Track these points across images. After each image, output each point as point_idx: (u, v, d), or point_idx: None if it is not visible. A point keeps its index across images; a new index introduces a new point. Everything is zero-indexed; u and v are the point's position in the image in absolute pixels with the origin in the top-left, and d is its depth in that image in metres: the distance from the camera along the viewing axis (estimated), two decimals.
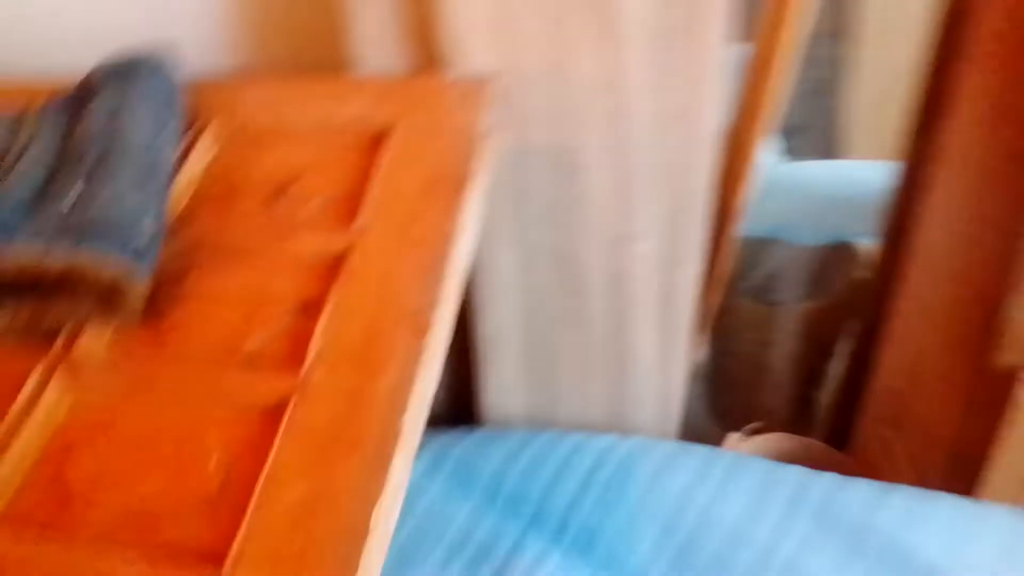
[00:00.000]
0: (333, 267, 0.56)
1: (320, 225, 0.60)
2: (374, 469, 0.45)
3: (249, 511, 0.43)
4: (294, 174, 0.65)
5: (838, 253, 1.02)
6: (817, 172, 1.07)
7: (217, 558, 0.42)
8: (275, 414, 0.48)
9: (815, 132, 1.15)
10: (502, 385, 0.97)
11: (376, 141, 0.66)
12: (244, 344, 0.53)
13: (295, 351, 0.51)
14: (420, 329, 0.51)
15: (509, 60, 0.72)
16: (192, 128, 0.67)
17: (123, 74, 0.65)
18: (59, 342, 0.53)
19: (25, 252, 0.51)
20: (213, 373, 0.51)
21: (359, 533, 0.42)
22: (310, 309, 0.54)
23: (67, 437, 0.49)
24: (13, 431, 0.49)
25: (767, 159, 1.03)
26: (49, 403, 0.50)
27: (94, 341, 0.53)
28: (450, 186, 0.61)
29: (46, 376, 0.51)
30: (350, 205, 0.61)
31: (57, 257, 0.51)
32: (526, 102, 0.75)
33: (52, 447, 0.49)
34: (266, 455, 0.46)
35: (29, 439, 0.49)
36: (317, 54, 0.78)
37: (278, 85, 0.73)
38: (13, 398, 0.50)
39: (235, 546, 0.42)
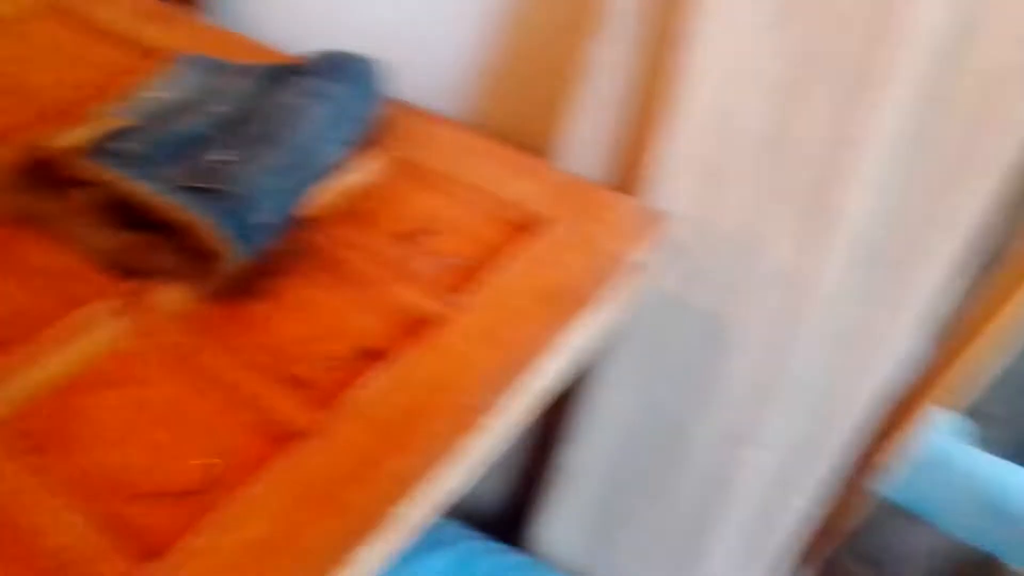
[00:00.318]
0: (416, 328, 0.57)
1: (428, 284, 0.61)
2: (344, 545, 0.44)
3: (205, 525, 0.44)
4: (433, 225, 0.67)
5: (978, 563, 0.92)
6: (995, 470, 0.98)
7: (157, 551, 0.43)
8: (285, 443, 0.49)
9: (1013, 429, 1.05)
10: (559, 522, 0.94)
11: (525, 228, 0.67)
12: (296, 363, 0.55)
13: (335, 391, 0.52)
14: (462, 426, 0.51)
15: (700, 210, 0.72)
16: (368, 141, 0.72)
17: (330, 68, 0.71)
18: (141, 283, 0.57)
19: (147, 190, 0.56)
20: (254, 378, 0.53)
21: None
22: (373, 358, 0.55)
23: (97, 375, 0.52)
24: (55, 342, 0.52)
25: (942, 432, 0.96)
26: (102, 334, 0.54)
27: (171, 297, 0.56)
28: (570, 301, 0.60)
29: (114, 308, 0.55)
30: (466, 277, 0.62)
31: (170, 205, 0.56)
32: (700, 257, 0.75)
33: (80, 378, 0.52)
34: (254, 480, 0.47)
35: (66, 358, 0.52)
36: (531, 125, 0.81)
37: (467, 136, 0.77)
38: (69, 312, 0.54)
39: (177, 549, 0.43)
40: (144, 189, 0.56)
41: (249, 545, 0.44)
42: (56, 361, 0.52)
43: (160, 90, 0.69)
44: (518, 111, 0.83)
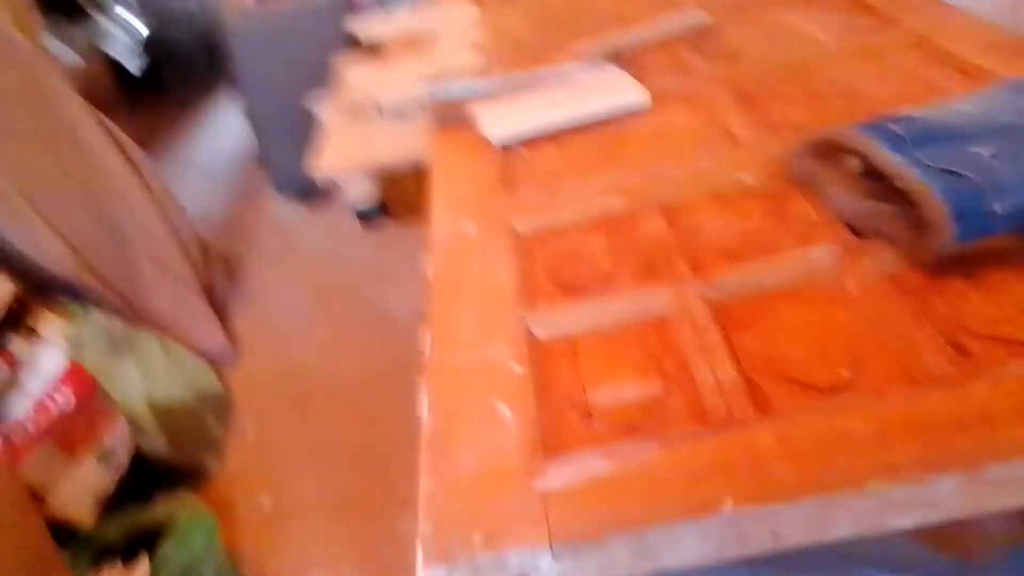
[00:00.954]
0: None
1: None
2: (923, 468, 0.50)
3: (821, 412, 0.56)
4: None
5: None
6: None
7: (768, 414, 0.56)
8: (919, 383, 0.56)
9: None
10: None
11: None
12: (970, 333, 0.57)
13: (988, 364, 0.55)
14: None
15: None
16: None
17: None
18: (866, 241, 0.67)
19: (894, 160, 0.66)
20: (925, 331, 0.59)
21: None
22: None
23: (798, 293, 0.66)
24: (781, 263, 0.68)
25: None
26: (816, 267, 0.67)
27: (885, 257, 0.66)
28: None
29: (835, 253, 0.67)
30: None
31: (910, 177, 0.64)
32: None
33: (785, 290, 0.66)
34: (881, 394, 0.55)
35: (782, 274, 0.67)
36: None
37: None
38: (800, 246, 0.69)
39: (781, 417, 0.56)
40: (892, 160, 0.66)
41: (841, 431, 0.53)
42: (774, 274, 0.68)
43: (961, 102, 0.78)
44: None
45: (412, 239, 2.30)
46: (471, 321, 0.70)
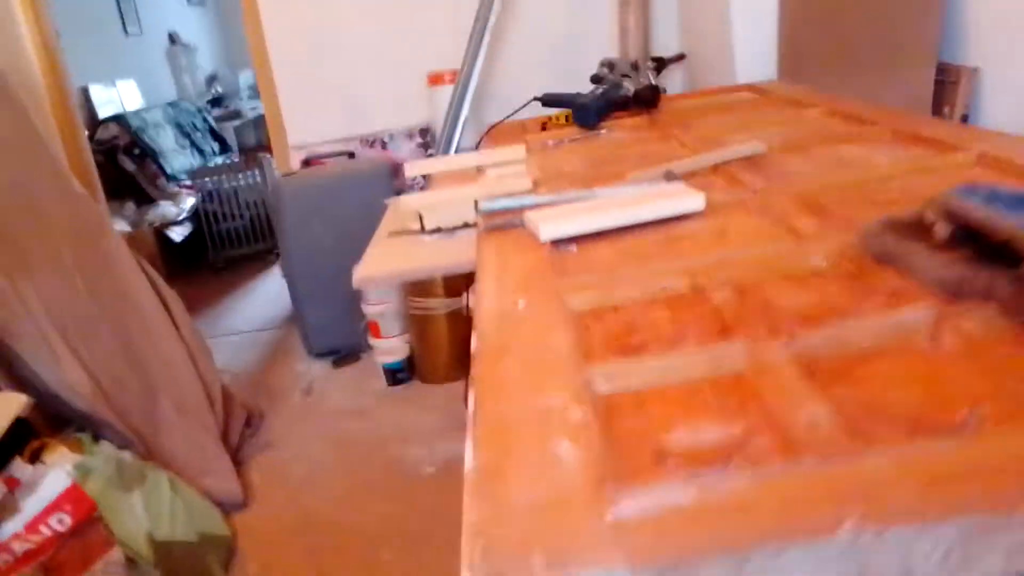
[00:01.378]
0: None
1: None
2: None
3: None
4: None
5: None
6: None
7: (857, 451, 0.48)
8: None
9: None
10: None
11: None
12: None
13: None
14: None
15: None
16: None
17: None
18: (961, 304, 0.61)
19: (991, 216, 0.61)
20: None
21: None
22: None
23: (885, 350, 0.59)
24: (863, 326, 0.61)
25: None
26: (902, 328, 0.61)
27: (982, 316, 0.59)
28: None
29: (924, 314, 0.61)
30: None
31: (1012, 228, 0.59)
32: None
33: (872, 348, 0.59)
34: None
35: (868, 335, 0.60)
36: None
37: None
38: (883, 311, 0.63)
39: (866, 453, 0.49)
40: (992, 214, 0.61)
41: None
42: (863, 334, 0.61)
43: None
44: None
45: (439, 398, 2.24)
46: (523, 377, 0.63)
